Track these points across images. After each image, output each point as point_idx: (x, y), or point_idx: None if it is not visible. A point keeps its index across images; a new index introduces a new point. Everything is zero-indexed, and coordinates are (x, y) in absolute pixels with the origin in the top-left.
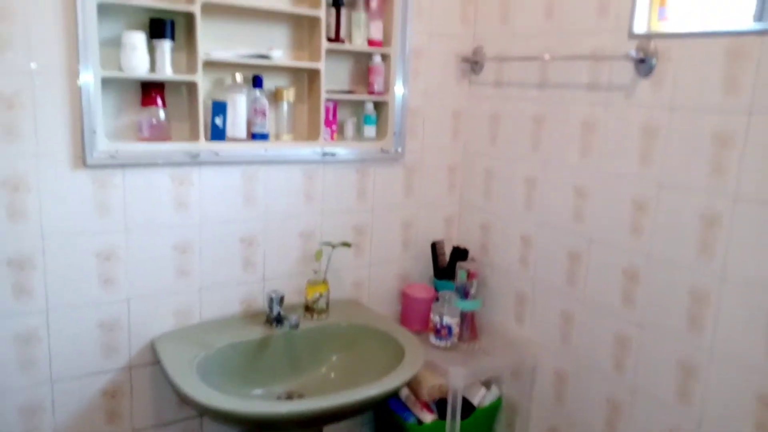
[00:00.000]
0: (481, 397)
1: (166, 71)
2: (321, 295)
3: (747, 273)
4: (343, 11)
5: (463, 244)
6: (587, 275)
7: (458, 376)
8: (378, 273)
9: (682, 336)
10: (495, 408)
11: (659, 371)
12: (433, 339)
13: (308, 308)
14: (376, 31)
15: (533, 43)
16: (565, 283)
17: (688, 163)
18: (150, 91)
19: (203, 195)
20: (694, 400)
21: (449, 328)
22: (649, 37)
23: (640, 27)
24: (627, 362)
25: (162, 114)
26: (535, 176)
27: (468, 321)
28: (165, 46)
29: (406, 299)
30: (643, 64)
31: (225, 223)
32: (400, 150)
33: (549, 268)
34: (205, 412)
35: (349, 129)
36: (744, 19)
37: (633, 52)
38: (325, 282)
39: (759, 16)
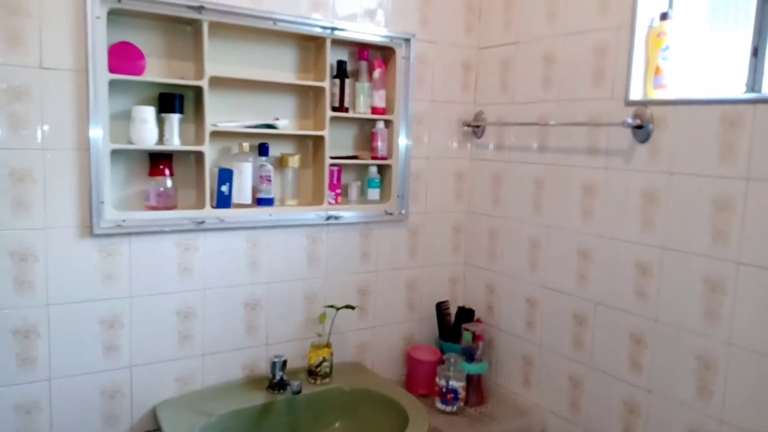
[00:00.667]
0: None
1: (175, 142)
2: (324, 359)
3: (753, 340)
4: (347, 82)
5: (468, 305)
6: (594, 339)
7: None
8: (382, 335)
9: (691, 403)
10: None
11: None
12: (438, 404)
13: (311, 372)
14: (379, 100)
15: (532, 108)
16: (572, 347)
17: (690, 228)
18: (158, 161)
19: (207, 260)
20: None
21: (455, 392)
22: (645, 103)
23: (636, 94)
24: (637, 430)
25: (169, 183)
26: (539, 238)
27: (474, 384)
28: (173, 119)
29: (411, 362)
30: (641, 130)
31: (229, 288)
32: (403, 212)
33: (555, 331)
34: None
35: (353, 192)
36: (737, 89)
37: (630, 120)
38: (328, 345)
39: (751, 86)
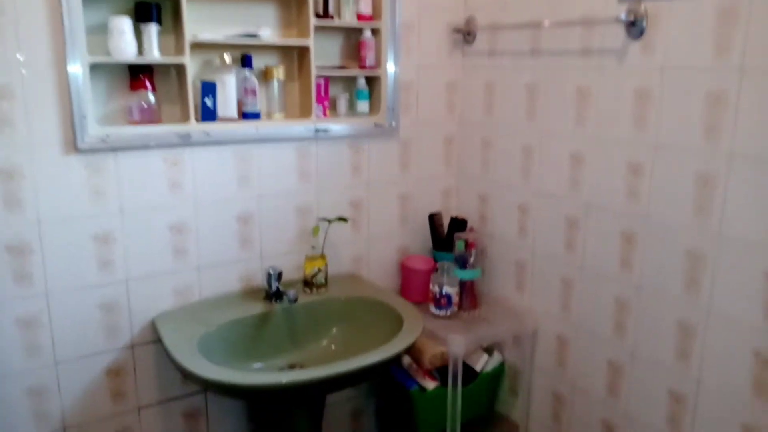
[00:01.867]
0: (483, 364)
1: (154, 54)
2: (319, 270)
3: (743, 232)
4: None
5: (461, 215)
6: (585, 241)
7: (458, 344)
8: (377, 247)
9: (679, 297)
10: (498, 374)
11: (658, 332)
12: (433, 309)
13: (307, 283)
14: (365, 6)
15: (524, 10)
16: (564, 250)
17: (682, 124)
18: (138, 75)
19: (196, 175)
20: (692, 360)
21: (449, 298)
22: None
23: None
24: (627, 325)
25: (151, 97)
26: (532, 145)
27: (468, 290)
28: (151, 29)
29: (405, 271)
30: (634, 27)
31: (220, 203)
32: (394, 124)
33: (547, 236)
34: (207, 386)
35: (342, 105)
36: None
37: (623, 15)
38: (323, 256)
39: None
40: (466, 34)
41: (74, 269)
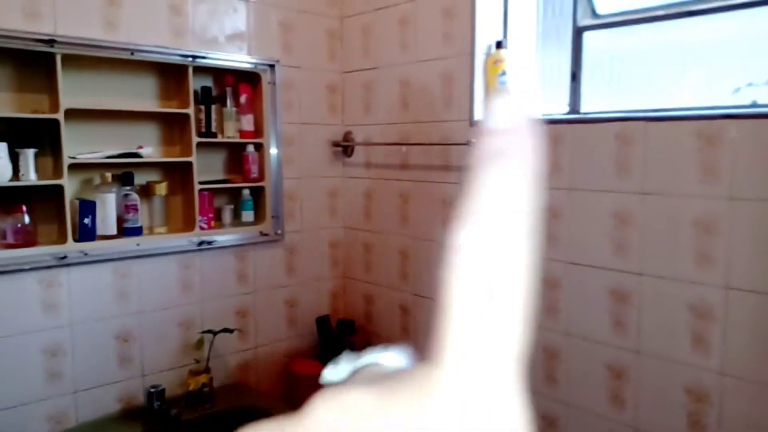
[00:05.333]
0: None
1: (31, 177)
2: (204, 385)
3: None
4: (213, 107)
5: (349, 316)
6: None
7: None
8: (264, 354)
9: (540, 392)
10: None
11: None
12: None
13: (192, 399)
14: (248, 124)
15: (394, 129)
16: None
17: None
18: (13, 197)
19: (73, 296)
20: None
21: None
22: None
23: (479, 116)
24: None
25: (26, 219)
26: (407, 249)
27: None
28: (28, 153)
29: (294, 377)
30: None
31: (97, 322)
32: (279, 232)
33: (427, 336)
34: None
35: (227, 215)
36: (561, 108)
37: (474, 140)
38: (207, 370)
39: (572, 107)
40: (344, 147)
41: None
